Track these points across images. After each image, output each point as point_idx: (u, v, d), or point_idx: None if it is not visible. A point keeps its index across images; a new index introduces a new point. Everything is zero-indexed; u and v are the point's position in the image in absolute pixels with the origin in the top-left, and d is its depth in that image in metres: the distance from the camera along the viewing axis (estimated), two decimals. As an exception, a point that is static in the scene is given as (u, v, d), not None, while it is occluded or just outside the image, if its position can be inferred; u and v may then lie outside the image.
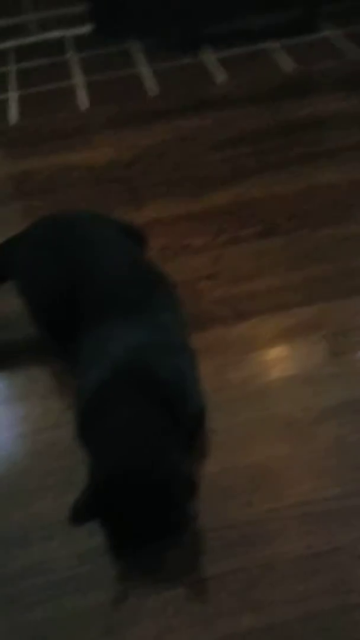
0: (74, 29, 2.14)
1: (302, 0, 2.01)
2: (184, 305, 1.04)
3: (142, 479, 0.77)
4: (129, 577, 0.82)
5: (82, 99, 1.83)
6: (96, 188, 1.48)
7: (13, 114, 1.80)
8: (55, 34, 2.14)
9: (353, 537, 0.83)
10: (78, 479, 0.80)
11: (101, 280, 1.00)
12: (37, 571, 0.84)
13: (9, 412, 1.04)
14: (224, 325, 1.13)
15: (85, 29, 2.13)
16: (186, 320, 1.01)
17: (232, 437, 0.95)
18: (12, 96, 1.88)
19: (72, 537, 0.82)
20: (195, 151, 1.56)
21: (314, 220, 1.32)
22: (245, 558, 0.82)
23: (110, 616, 0.79)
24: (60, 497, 0.87)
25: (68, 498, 0.79)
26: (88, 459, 0.83)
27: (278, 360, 1.07)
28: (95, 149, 1.61)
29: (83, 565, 0.83)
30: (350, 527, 0.84)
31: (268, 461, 0.92)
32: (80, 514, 0.76)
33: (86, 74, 1.94)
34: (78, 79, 1.93)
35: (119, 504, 0.76)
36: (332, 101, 1.67)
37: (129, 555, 0.82)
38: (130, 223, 1.19)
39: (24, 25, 2.14)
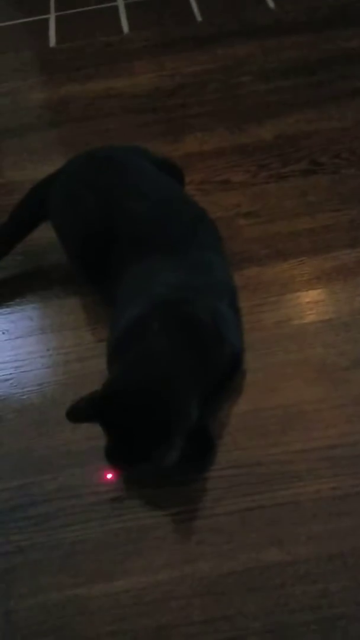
0: None
1: None
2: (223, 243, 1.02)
3: (140, 400, 0.78)
4: (154, 505, 0.84)
5: (124, 22, 1.75)
6: (136, 117, 1.43)
7: (52, 36, 1.74)
8: None
9: (381, 482, 0.83)
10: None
11: (140, 218, 0.97)
12: (66, 496, 0.86)
13: (41, 343, 1.05)
14: (262, 264, 1.10)
15: None
16: (229, 259, 0.99)
17: (265, 378, 0.94)
18: (51, 17, 1.81)
19: (100, 465, 0.83)
20: (240, 81, 1.49)
21: (363, 159, 1.26)
22: (271, 495, 0.83)
23: (136, 541, 0.81)
24: (89, 428, 0.88)
25: (97, 428, 0.80)
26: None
27: (315, 303, 1.05)
28: (135, 76, 1.55)
29: (110, 492, 0.85)
30: (379, 472, 0.84)
31: (299, 403, 0.92)
32: (77, 413, 0.79)
33: (129, -5, 1.85)
34: (120, 1, 1.83)
35: (113, 416, 0.78)
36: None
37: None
38: (168, 158, 1.15)
39: None
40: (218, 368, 0.88)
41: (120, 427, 0.78)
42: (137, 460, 0.79)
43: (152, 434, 0.77)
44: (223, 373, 0.90)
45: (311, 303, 1.05)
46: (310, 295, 1.06)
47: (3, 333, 1.07)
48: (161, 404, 0.78)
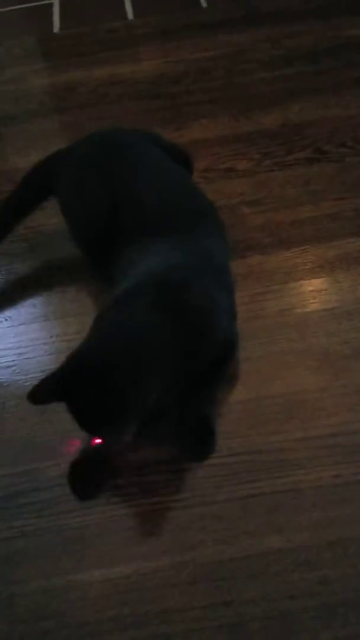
0: None
1: None
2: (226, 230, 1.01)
3: (102, 382, 0.76)
4: (155, 492, 0.84)
5: (129, 8, 1.73)
6: (140, 104, 1.43)
7: (56, 21, 1.73)
8: None
9: (382, 471, 0.83)
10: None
11: (146, 202, 0.97)
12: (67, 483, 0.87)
13: (45, 330, 1.05)
14: (265, 253, 1.10)
15: None
16: (230, 247, 0.99)
17: (267, 366, 0.94)
18: (55, 2, 1.79)
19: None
20: (244, 69, 1.48)
21: (367, 148, 1.25)
22: (272, 483, 0.83)
23: (137, 528, 0.82)
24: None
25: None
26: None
27: (318, 292, 1.04)
28: (140, 62, 1.54)
29: (112, 479, 0.86)
30: (380, 461, 0.84)
31: (301, 392, 0.92)
32: (38, 395, 0.79)
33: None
34: (125, -14, 1.82)
35: (73, 396, 0.78)
36: None
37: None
38: (178, 144, 1.15)
39: None
40: (206, 356, 0.86)
41: (75, 404, 0.78)
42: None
43: (103, 414, 0.76)
44: (214, 362, 0.88)
45: (314, 292, 1.04)
46: (313, 284, 1.05)
47: (6, 320, 1.07)
48: (115, 386, 0.76)
